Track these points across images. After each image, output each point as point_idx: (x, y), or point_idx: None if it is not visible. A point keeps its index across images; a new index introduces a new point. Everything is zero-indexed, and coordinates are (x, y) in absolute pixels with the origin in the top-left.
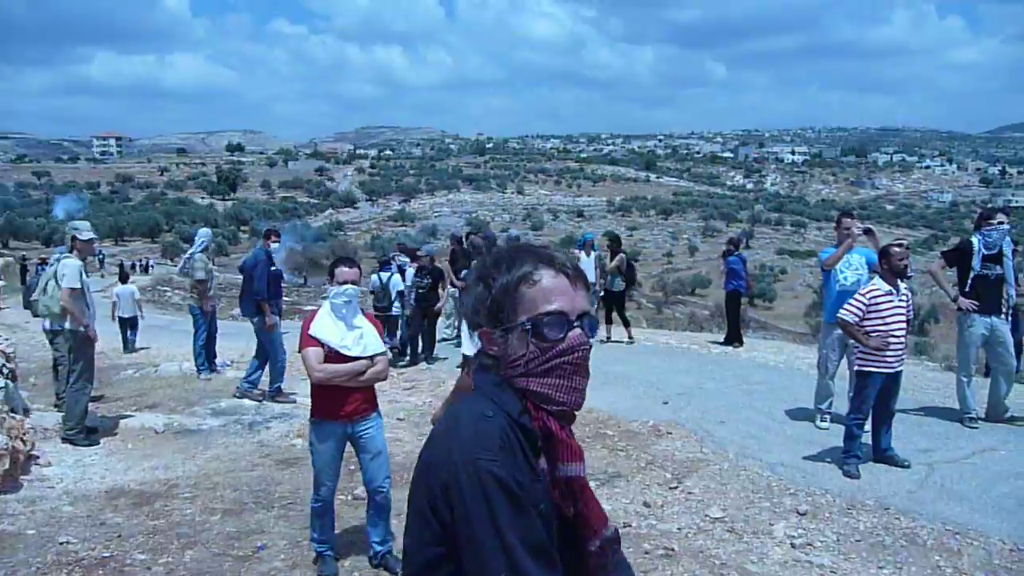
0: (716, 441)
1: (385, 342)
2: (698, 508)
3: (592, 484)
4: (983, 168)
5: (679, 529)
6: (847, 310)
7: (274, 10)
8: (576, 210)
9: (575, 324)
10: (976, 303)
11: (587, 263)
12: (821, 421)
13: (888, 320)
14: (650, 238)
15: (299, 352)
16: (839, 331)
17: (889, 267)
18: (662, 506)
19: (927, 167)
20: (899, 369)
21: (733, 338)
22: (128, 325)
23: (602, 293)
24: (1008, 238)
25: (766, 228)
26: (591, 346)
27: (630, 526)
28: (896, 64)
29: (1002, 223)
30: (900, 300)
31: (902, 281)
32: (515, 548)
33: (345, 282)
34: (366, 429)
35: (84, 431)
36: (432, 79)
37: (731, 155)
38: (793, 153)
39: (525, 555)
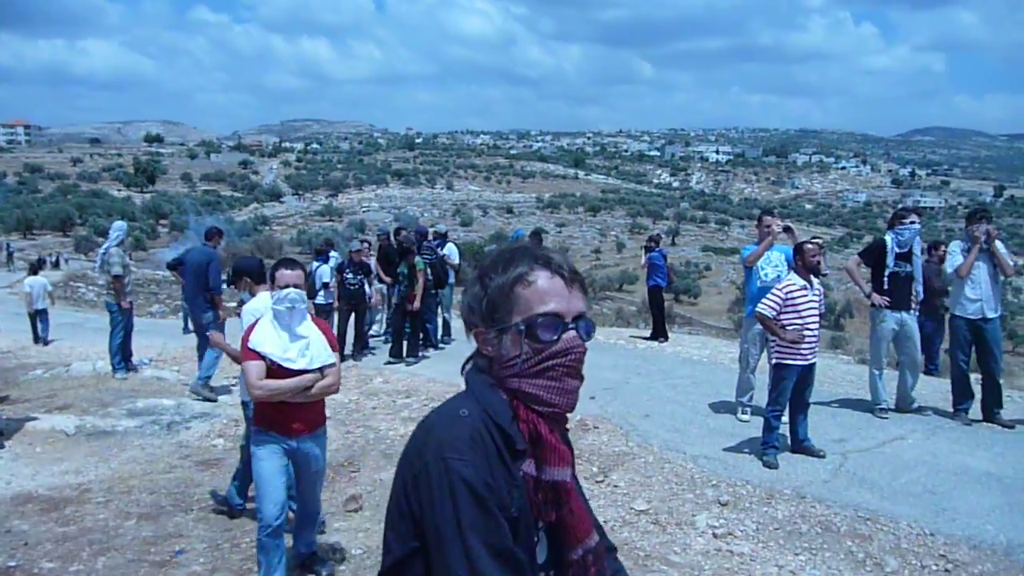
0: (641, 435)
1: None
2: (623, 501)
3: None
4: (895, 170)
5: (605, 522)
6: (765, 304)
7: None
8: (506, 206)
9: (570, 326)
10: (888, 299)
11: None
12: (742, 414)
13: (803, 314)
14: (578, 235)
15: (239, 365)
16: (760, 326)
17: (803, 263)
18: (588, 500)
19: (843, 168)
20: (813, 361)
21: (658, 333)
22: (39, 317)
23: None
24: (918, 238)
25: (691, 225)
26: (585, 349)
27: None
28: (814, 68)
29: (914, 223)
30: (814, 295)
31: (816, 277)
32: (475, 550)
33: (287, 286)
34: (311, 448)
35: None
36: (360, 72)
37: (658, 154)
38: (717, 153)
39: (486, 557)
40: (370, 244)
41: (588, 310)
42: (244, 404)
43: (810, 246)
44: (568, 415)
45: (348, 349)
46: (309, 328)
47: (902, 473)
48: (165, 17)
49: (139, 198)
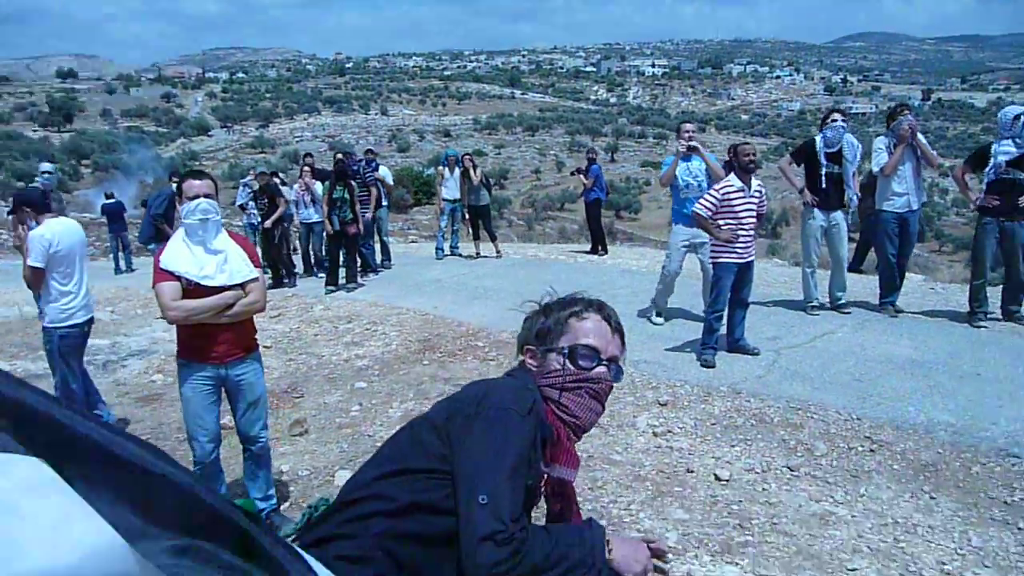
0: None
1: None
2: None
3: None
4: (827, 77)
5: None
6: (702, 204)
7: None
8: (442, 130)
9: (603, 362)
10: (816, 198)
11: (452, 179)
12: (657, 317)
13: (740, 214)
14: (518, 155)
15: (152, 288)
16: (685, 235)
17: (738, 164)
18: None
19: (777, 77)
20: (749, 259)
21: (598, 245)
22: None
23: (466, 209)
24: (853, 142)
25: (630, 141)
26: (612, 386)
27: None
28: None
29: (835, 121)
30: (751, 196)
31: (753, 177)
32: (503, 478)
33: (196, 196)
34: (243, 374)
35: None
36: None
37: (594, 69)
38: (653, 66)
39: (509, 487)
40: (312, 168)
41: (622, 360)
42: (46, 330)
43: (744, 146)
44: (584, 432)
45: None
46: (226, 242)
47: (832, 365)
48: None
49: (57, 138)
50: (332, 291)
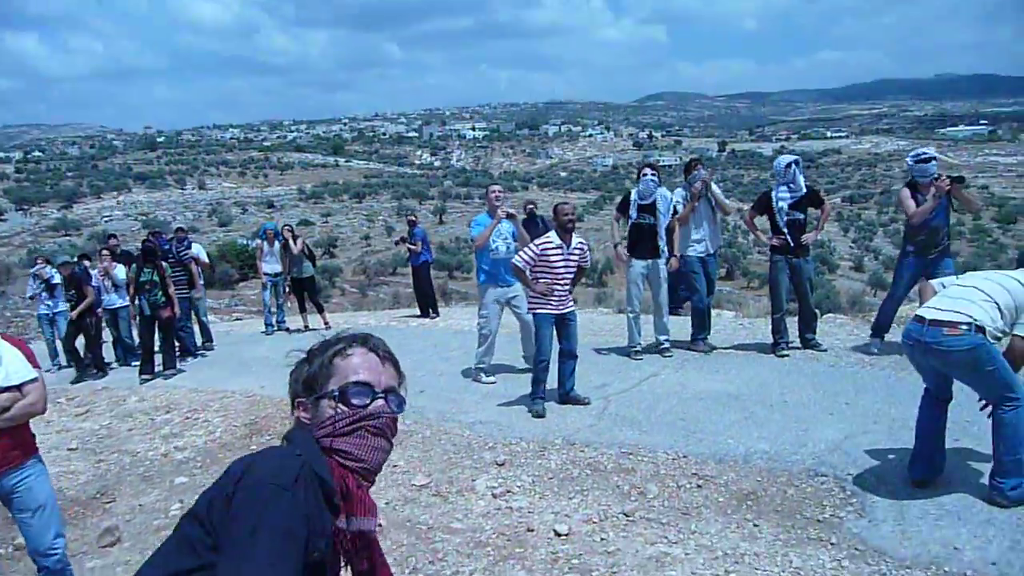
0: (418, 411)
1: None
2: (404, 479)
3: None
4: (634, 133)
5: (387, 503)
6: (520, 257)
7: None
8: (266, 201)
9: (379, 395)
10: (626, 252)
11: (272, 253)
12: (486, 376)
13: (557, 268)
14: (346, 223)
15: None
16: (495, 294)
17: (558, 223)
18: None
19: (590, 135)
20: (567, 311)
21: (428, 308)
22: None
23: (289, 281)
24: (666, 194)
25: (457, 202)
26: (395, 417)
27: None
28: (554, 43)
29: (647, 175)
30: (571, 252)
31: (572, 234)
32: (262, 555)
33: None
34: (21, 481)
35: None
36: (80, 69)
37: (416, 134)
38: (474, 129)
39: (269, 566)
40: (111, 251)
41: (401, 388)
42: None
43: (564, 206)
44: (375, 475)
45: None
46: (0, 343)
47: (657, 406)
48: None
49: None
50: (148, 379)
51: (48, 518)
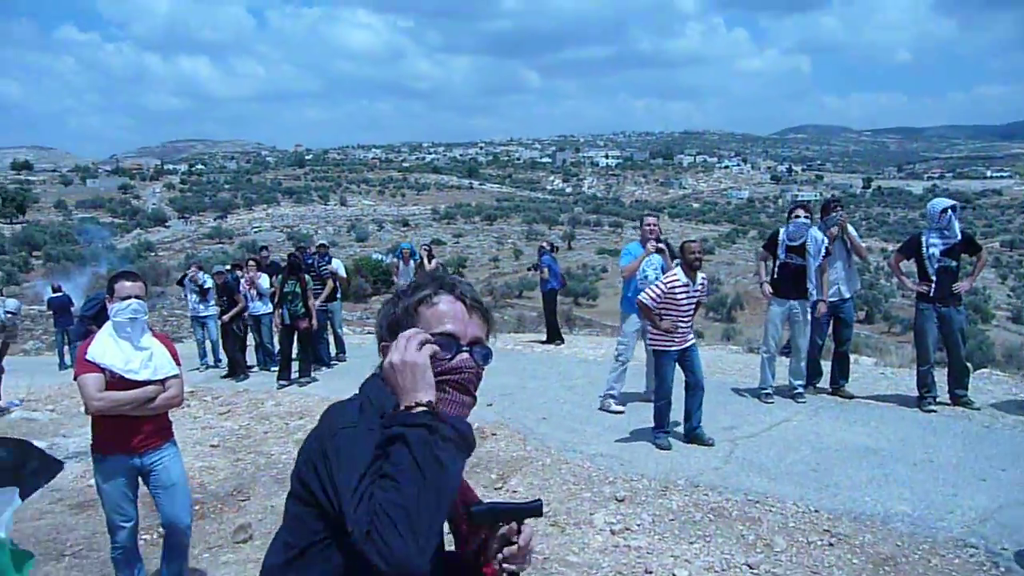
0: (539, 438)
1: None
2: None
3: None
4: (773, 166)
5: None
6: (647, 295)
7: (61, 16)
8: (401, 219)
9: (464, 348)
10: (771, 291)
11: (407, 272)
12: (616, 405)
13: (682, 305)
14: (476, 244)
15: (75, 380)
16: (638, 324)
17: (685, 261)
18: None
19: (726, 167)
20: (688, 345)
21: (554, 336)
22: None
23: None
24: (817, 237)
25: (586, 229)
26: (479, 370)
27: None
28: (693, 72)
29: (798, 217)
30: (695, 289)
31: (697, 272)
32: (355, 477)
33: (128, 297)
34: (159, 460)
35: None
36: (244, 90)
37: (549, 160)
38: (607, 157)
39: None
40: (257, 262)
41: (489, 338)
42: None
43: (691, 244)
44: None
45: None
46: (151, 340)
47: (788, 454)
48: (29, 38)
49: (8, 229)
50: (284, 385)
51: (178, 495)
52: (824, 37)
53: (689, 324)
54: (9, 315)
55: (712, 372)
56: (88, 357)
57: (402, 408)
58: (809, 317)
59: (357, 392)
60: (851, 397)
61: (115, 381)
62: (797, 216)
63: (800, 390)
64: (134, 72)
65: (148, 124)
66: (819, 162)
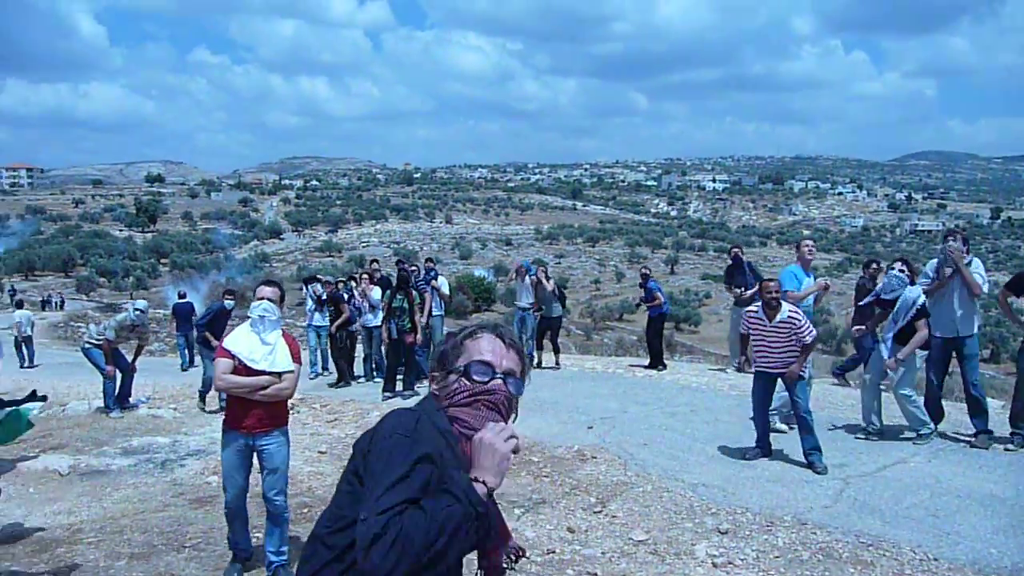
0: (640, 464)
1: None
2: (622, 532)
3: (516, 511)
4: (891, 194)
5: (603, 554)
6: (745, 324)
7: (195, 40)
8: (504, 239)
9: (498, 375)
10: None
11: (523, 288)
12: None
13: (766, 336)
14: (578, 265)
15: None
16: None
17: (763, 301)
18: (586, 531)
19: (839, 193)
20: (776, 372)
21: (657, 361)
22: (25, 344)
23: (537, 318)
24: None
25: (690, 254)
26: (510, 395)
27: (554, 552)
28: (807, 96)
29: (897, 270)
30: (776, 327)
31: (774, 312)
32: (390, 480)
33: (262, 298)
34: (266, 445)
35: None
36: (359, 110)
37: (655, 183)
38: (714, 181)
39: (394, 487)
40: (370, 275)
41: (524, 376)
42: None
43: (769, 283)
44: None
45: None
46: (277, 338)
47: (905, 497)
48: (167, 60)
49: (140, 238)
50: (389, 397)
51: (278, 478)
52: (951, 59)
53: (778, 354)
54: (138, 312)
55: (822, 407)
56: (224, 344)
57: (472, 476)
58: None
59: (416, 406)
60: (988, 447)
61: (240, 367)
62: (900, 270)
63: (923, 430)
64: (258, 92)
65: (268, 141)
66: (942, 190)
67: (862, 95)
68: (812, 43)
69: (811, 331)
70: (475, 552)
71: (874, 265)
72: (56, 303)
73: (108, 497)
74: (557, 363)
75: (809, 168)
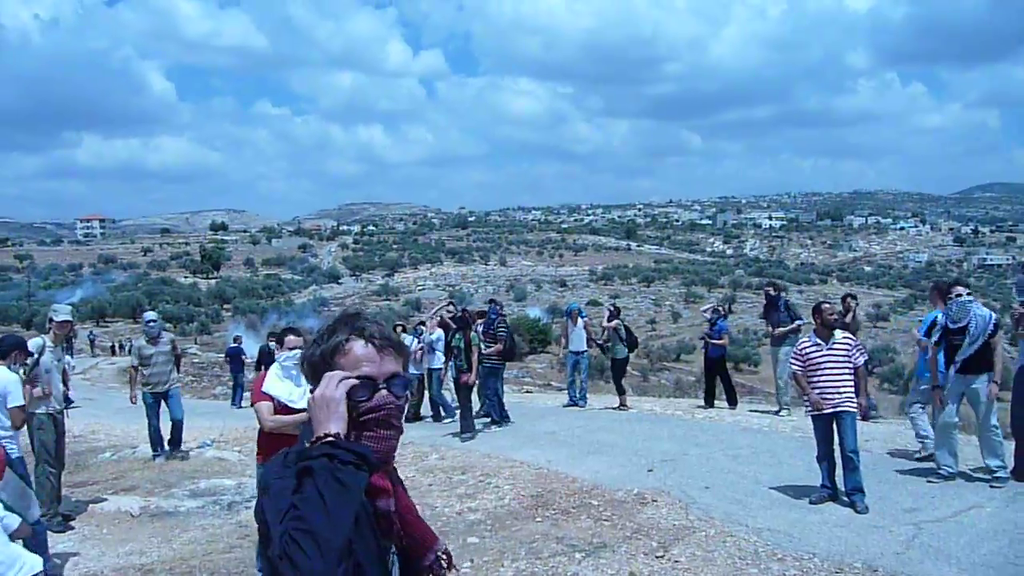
0: (702, 508)
1: None
2: None
3: (577, 555)
4: (956, 228)
5: None
6: (792, 364)
7: (259, 93)
8: (559, 280)
9: (381, 386)
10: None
11: (576, 331)
12: (945, 462)
13: (820, 366)
14: (633, 305)
15: (252, 406)
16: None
17: (821, 321)
18: (648, 575)
19: (901, 228)
20: (839, 411)
21: (731, 400)
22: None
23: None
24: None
25: (747, 292)
26: (398, 404)
27: None
28: (865, 130)
29: (959, 295)
30: (831, 349)
31: (837, 331)
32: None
33: (293, 348)
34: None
35: (58, 516)
36: (414, 156)
37: (710, 222)
38: (770, 218)
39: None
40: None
41: (402, 368)
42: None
43: (826, 305)
44: (385, 461)
45: None
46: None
47: (982, 544)
48: (231, 113)
49: (204, 284)
50: (468, 438)
51: None
52: (1015, 88)
53: (835, 384)
54: (151, 324)
55: (889, 448)
56: (263, 389)
57: (315, 437)
58: (985, 394)
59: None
60: None
61: (281, 408)
62: (959, 295)
63: (1001, 474)
64: (317, 141)
65: (327, 188)
66: (1011, 223)
67: (922, 127)
68: (868, 77)
69: (863, 353)
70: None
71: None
72: (128, 348)
73: (177, 538)
74: (621, 404)
75: (869, 203)
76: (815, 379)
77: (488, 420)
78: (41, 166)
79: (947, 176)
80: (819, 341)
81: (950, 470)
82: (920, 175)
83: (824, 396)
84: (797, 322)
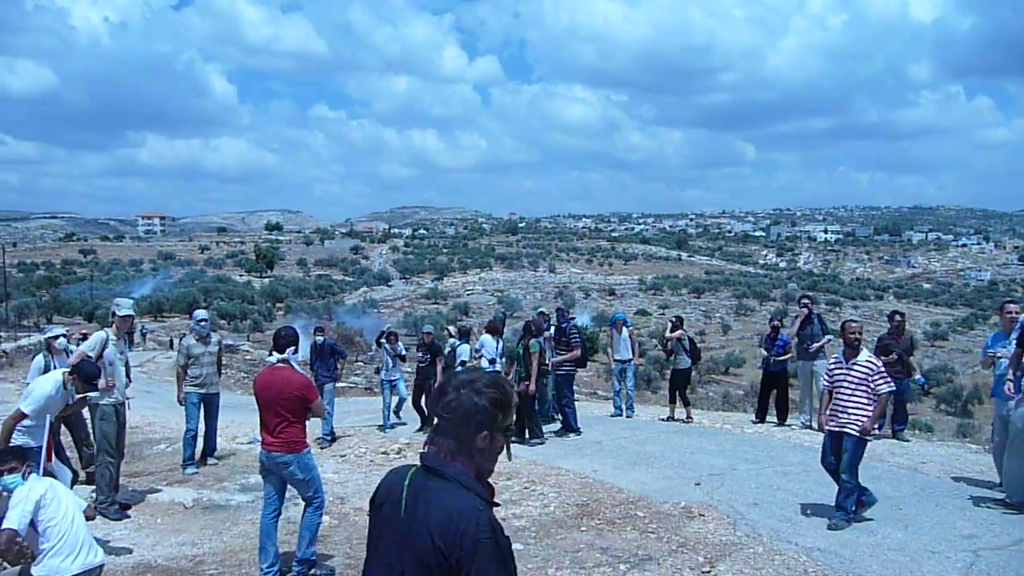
0: (750, 524)
1: None
2: None
3: (622, 567)
4: (1021, 246)
5: None
6: (825, 380)
7: (316, 96)
8: (608, 288)
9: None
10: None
11: (621, 341)
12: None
13: (840, 385)
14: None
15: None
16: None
17: (844, 340)
18: None
19: (963, 245)
20: (844, 430)
21: (782, 415)
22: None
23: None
24: None
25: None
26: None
27: None
28: (926, 144)
29: (1009, 314)
30: (849, 368)
31: (863, 353)
32: None
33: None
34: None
35: (116, 505)
36: (466, 161)
37: (763, 234)
38: (826, 232)
39: None
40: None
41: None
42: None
43: (851, 323)
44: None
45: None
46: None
47: None
48: (289, 115)
49: (258, 283)
50: (538, 443)
51: (307, 485)
52: None
53: (846, 407)
54: (202, 323)
55: (947, 472)
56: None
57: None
58: None
59: (452, 481)
60: None
61: None
62: (1009, 313)
63: None
64: (372, 144)
65: (380, 191)
66: None
67: (987, 142)
68: (931, 89)
69: (888, 382)
70: None
71: (897, 317)
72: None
73: (228, 531)
74: (687, 416)
75: (929, 219)
76: (835, 397)
77: (564, 430)
78: (106, 164)
79: (1013, 192)
80: (842, 359)
81: (1014, 498)
82: (984, 191)
83: (832, 414)
84: (827, 337)
